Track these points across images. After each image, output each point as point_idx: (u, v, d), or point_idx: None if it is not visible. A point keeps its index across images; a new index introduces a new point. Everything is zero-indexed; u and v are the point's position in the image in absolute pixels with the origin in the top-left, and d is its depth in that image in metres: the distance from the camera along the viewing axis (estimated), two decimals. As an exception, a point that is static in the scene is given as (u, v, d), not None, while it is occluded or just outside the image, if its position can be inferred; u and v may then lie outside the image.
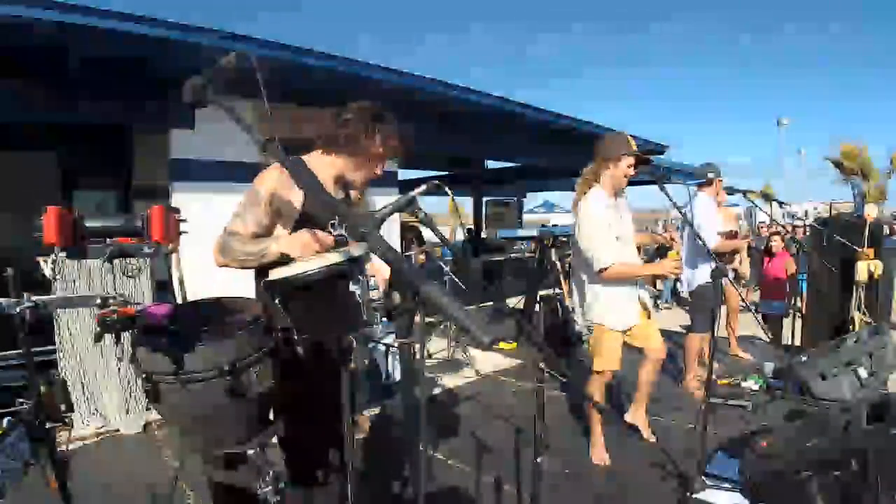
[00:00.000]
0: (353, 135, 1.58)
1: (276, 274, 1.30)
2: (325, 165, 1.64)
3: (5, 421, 1.80)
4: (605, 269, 2.62)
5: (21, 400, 3.10)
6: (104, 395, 3.34)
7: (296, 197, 1.54)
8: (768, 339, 5.47)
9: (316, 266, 1.26)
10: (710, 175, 3.97)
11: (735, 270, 4.40)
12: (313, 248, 1.40)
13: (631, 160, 2.68)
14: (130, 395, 3.40)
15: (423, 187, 1.55)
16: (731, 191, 4.17)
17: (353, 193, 1.73)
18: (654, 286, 8.44)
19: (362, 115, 1.59)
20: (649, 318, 2.89)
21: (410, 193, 1.49)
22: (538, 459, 1.56)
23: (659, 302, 7.98)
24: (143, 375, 1.33)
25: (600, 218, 2.65)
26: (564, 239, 5.62)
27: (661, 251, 6.16)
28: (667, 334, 4.73)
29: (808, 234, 6.07)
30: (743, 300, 4.07)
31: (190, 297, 3.35)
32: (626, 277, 2.73)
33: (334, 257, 1.29)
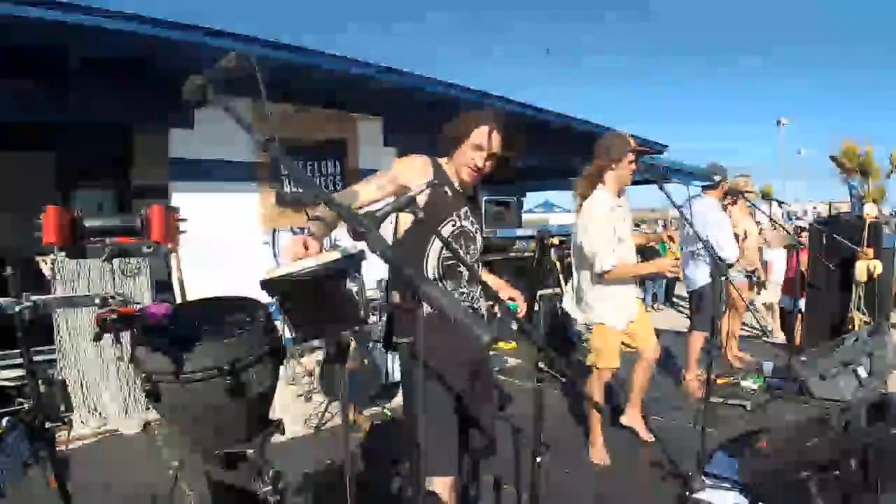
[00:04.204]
0: (452, 132, 1.71)
1: (270, 273, 1.29)
2: (448, 167, 1.78)
3: (5, 421, 1.80)
4: (608, 271, 2.63)
5: (21, 400, 3.10)
6: (104, 395, 3.34)
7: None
8: (765, 339, 5.48)
9: (309, 265, 1.25)
10: (717, 178, 3.95)
11: (755, 270, 4.42)
12: (292, 253, 1.38)
13: (632, 156, 2.70)
14: (130, 395, 3.40)
15: (423, 186, 1.55)
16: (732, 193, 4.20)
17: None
18: (643, 286, 8.38)
19: (463, 115, 1.71)
20: (646, 315, 2.91)
21: (410, 193, 1.48)
22: (538, 459, 1.56)
23: (655, 304, 7.97)
24: (143, 375, 1.33)
25: (605, 220, 2.66)
26: (563, 238, 5.62)
27: (651, 253, 6.17)
28: (665, 334, 4.75)
29: (807, 233, 6.09)
30: (744, 300, 4.07)
31: (190, 297, 3.35)
32: (627, 277, 2.74)
33: (329, 256, 1.28)
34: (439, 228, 1.69)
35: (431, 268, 1.71)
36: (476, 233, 1.81)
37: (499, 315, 1.67)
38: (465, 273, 1.74)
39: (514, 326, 1.49)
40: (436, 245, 1.70)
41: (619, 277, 2.69)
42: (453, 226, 1.73)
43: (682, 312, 7.41)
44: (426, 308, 1.64)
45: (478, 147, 1.68)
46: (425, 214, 1.63)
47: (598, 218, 2.66)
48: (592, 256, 2.66)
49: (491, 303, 1.86)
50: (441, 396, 1.68)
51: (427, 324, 1.63)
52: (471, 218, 1.79)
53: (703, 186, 4.04)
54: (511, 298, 1.85)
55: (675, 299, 9.08)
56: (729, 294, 4.35)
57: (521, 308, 1.84)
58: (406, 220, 1.72)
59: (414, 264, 1.68)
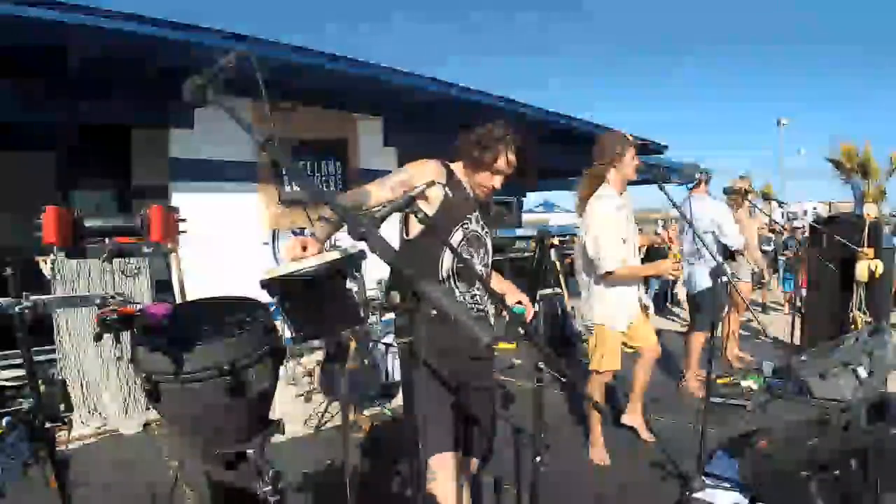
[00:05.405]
0: (472, 150, 1.72)
1: (270, 273, 1.29)
2: (460, 172, 1.79)
3: (5, 421, 1.81)
4: (611, 272, 2.62)
5: (21, 400, 3.10)
6: (104, 395, 3.34)
7: (435, 190, 1.67)
8: (765, 339, 5.48)
9: (309, 265, 1.25)
10: (698, 175, 3.98)
11: (762, 270, 4.42)
12: (292, 253, 1.37)
13: (633, 151, 2.70)
14: (130, 395, 3.40)
15: (423, 187, 1.55)
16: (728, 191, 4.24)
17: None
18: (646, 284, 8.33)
19: (485, 134, 1.72)
20: (647, 317, 2.90)
21: (410, 193, 1.48)
22: (538, 459, 1.56)
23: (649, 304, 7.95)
24: (143, 375, 1.33)
25: (610, 219, 2.65)
26: (563, 238, 5.62)
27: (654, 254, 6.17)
28: (665, 334, 4.75)
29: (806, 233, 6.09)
30: (744, 300, 4.07)
31: (190, 297, 3.35)
32: (629, 279, 2.74)
33: (329, 256, 1.28)
34: (452, 232, 1.70)
35: (446, 270, 1.72)
36: (487, 237, 1.83)
37: (507, 319, 1.68)
38: (475, 276, 1.74)
39: (521, 331, 1.47)
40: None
41: (622, 278, 2.68)
42: (465, 230, 1.74)
43: (680, 310, 7.40)
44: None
45: (499, 172, 1.73)
46: (439, 217, 1.66)
47: (602, 218, 2.66)
48: (596, 257, 2.65)
49: (499, 307, 1.86)
50: (439, 389, 1.68)
51: (428, 324, 1.64)
52: (482, 222, 1.80)
53: (688, 188, 4.04)
54: (518, 302, 1.86)
55: (675, 299, 9.07)
56: (729, 294, 4.36)
57: (529, 311, 1.85)
58: (418, 224, 1.71)
59: (429, 267, 1.70)
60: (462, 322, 0.74)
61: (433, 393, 1.66)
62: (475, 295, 1.77)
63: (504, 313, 1.80)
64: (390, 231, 1.80)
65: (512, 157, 1.71)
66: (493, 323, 1.88)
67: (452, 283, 1.73)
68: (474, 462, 1.95)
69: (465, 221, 1.74)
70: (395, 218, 1.74)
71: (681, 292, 7.73)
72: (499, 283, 1.96)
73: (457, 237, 1.72)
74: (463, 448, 1.81)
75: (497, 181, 1.74)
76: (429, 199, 1.66)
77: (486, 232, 1.83)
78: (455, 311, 0.77)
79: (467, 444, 1.84)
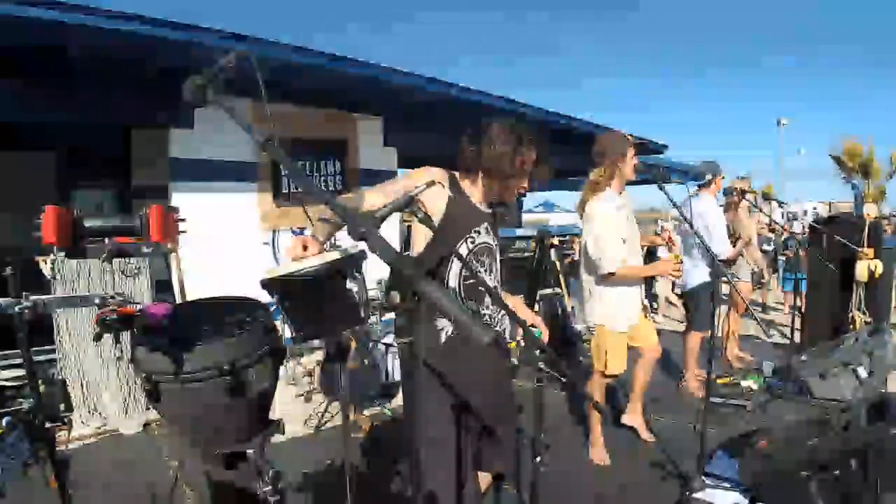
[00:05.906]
0: (493, 157, 1.63)
1: (270, 273, 1.29)
2: (468, 184, 1.72)
3: (5, 421, 1.81)
4: (612, 273, 2.62)
5: (21, 400, 3.10)
6: (104, 395, 3.34)
7: (440, 199, 1.63)
8: (765, 339, 5.48)
9: (309, 265, 1.25)
10: (709, 176, 3.98)
11: (762, 270, 4.42)
12: (293, 253, 1.38)
13: (633, 150, 2.70)
14: (130, 395, 3.40)
15: (423, 186, 1.55)
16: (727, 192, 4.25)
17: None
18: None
19: (501, 138, 1.63)
20: (646, 316, 2.91)
21: (410, 192, 1.48)
22: (538, 459, 1.56)
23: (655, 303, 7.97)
24: (143, 375, 1.33)
25: (610, 220, 2.65)
26: (563, 238, 5.62)
27: (653, 254, 6.17)
28: (665, 334, 4.74)
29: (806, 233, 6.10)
30: (744, 300, 4.06)
31: (190, 297, 3.34)
32: (630, 279, 2.74)
33: (329, 256, 1.28)
34: (457, 245, 1.66)
35: (452, 287, 1.67)
36: (496, 247, 1.78)
37: (523, 343, 1.64)
38: (486, 292, 1.69)
39: (539, 354, 1.41)
40: (456, 264, 1.66)
41: (623, 279, 2.68)
42: (472, 242, 1.69)
43: (675, 311, 7.41)
44: (449, 331, 1.65)
45: (525, 173, 1.67)
46: (443, 229, 1.62)
47: (602, 218, 2.66)
48: (596, 258, 2.65)
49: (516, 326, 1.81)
50: (444, 423, 1.63)
51: (444, 348, 1.63)
52: (491, 232, 1.75)
53: (698, 185, 4.05)
54: (532, 325, 1.82)
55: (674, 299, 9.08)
56: (729, 294, 4.36)
57: (545, 334, 1.80)
58: (422, 237, 1.67)
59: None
60: (461, 321, 0.74)
61: (438, 425, 1.62)
62: (485, 313, 1.73)
63: (520, 336, 1.76)
64: (390, 232, 1.80)
65: (532, 154, 1.64)
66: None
67: (462, 302, 1.67)
68: (486, 479, 1.92)
69: (471, 234, 1.69)
70: (395, 219, 1.73)
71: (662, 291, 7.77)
72: (508, 300, 1.91)
73: (462, 251, 1.66)
74: (475, 463, 1.78)
75: (525, 182, 1.69)
76: (432, 211, 1.61)
77: (497, 243, 1.78)
78: (454, 310, 0.76)
79: (479, 459, 1.80)
